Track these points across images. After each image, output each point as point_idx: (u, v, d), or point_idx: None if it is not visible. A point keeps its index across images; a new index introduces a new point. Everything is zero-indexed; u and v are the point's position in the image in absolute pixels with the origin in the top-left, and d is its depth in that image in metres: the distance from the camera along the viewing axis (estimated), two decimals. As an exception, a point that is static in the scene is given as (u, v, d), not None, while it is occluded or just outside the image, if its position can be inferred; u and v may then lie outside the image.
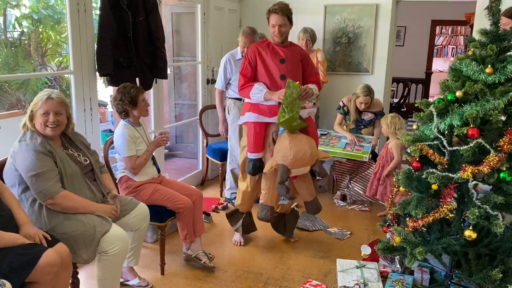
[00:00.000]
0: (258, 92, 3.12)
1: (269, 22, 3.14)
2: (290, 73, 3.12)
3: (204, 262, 3.06)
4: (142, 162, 2.93)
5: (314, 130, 3.30)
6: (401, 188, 2.57)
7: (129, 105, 2.89)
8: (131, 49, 3.36)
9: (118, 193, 2.77)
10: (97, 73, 3.24)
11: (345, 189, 4.37)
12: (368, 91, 4.12)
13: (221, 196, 4.51)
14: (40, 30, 6.70)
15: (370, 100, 4.17)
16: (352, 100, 4.24)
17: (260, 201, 3.28)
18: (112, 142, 3.05)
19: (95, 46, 3.19)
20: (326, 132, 4.47)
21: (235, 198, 3.88)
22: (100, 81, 3.60)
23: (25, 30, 6.48)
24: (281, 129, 3.13)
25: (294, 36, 4.64)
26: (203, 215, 3.49)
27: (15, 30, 6.48)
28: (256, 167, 3.18)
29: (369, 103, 4.19)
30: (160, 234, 3.00)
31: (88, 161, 2.56)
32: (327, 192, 4.58)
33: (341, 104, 4.38)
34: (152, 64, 3.61)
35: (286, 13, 3.09)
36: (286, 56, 3.15)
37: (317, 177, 3.27)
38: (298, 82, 3.01)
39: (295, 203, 3.87)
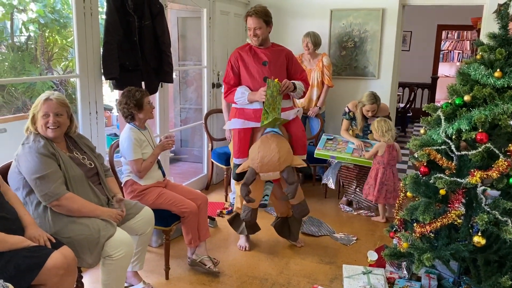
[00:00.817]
0: (241, 96, 3.16)
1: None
2: (274, 75, 3.11)
3: (208, 267, 3.04)
4: (148, 165, 2.93)
5: (300, 132, 3.28)
6: (408, 193, 2.54)
7: (134, 108, 2.90)
8: (137, 53, 3.36)
9: (123, 197, 2.76)
10: (103, 77, 3.25)
11: (352, 195, 4.33)
12: (375, 98, 4.08)
13: (226, 200, 4.50)
14: (46, 34, 6.74)
15: (377, 108, 4.14)
16: (359, 108, 4.20)
17: (243, 203, 3.28)
18: (117, 146, 3.05)
19: (101, 50, 3.20)
20: (332, 137, 4.44)
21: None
22: (106, 85, 3.61)
23: (32, 34, 6.51)
24: (266, 130, 3.13)
25: (299, 40, 4.64)
26: (208, 219, 3.48)
27: (22, 34, 6.51)
28: (241, 173, 3.18)
29: (376, 110, 4.16)
30: (164, 239, 2.99)
31: (93, 165, 2.55)
32: (334, 198, 4.58)
33: (346, 109, 4.35)
34: (158, 68, 3.62)
35: (261, 16, 3.12)
36: (268, 58, 3.18)
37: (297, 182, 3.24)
38: (277, 80, 3.01)
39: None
